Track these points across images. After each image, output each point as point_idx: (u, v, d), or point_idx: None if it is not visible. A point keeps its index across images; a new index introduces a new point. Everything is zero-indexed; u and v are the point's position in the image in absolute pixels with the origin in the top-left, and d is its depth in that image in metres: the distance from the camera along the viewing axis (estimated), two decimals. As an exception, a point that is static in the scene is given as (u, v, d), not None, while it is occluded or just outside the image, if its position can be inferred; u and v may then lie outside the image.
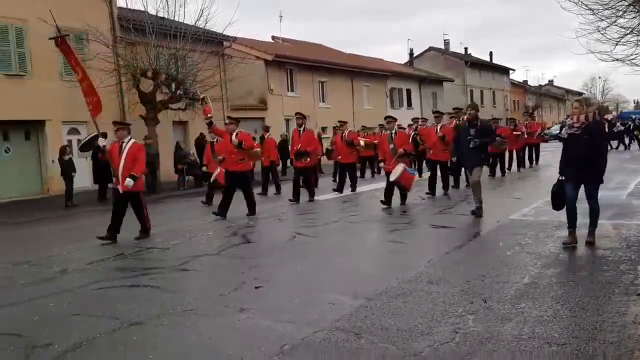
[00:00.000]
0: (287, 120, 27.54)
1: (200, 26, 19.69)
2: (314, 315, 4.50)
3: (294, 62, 28.99)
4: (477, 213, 8.94)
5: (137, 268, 6.60)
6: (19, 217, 12.92)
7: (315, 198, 12.66)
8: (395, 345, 3.80)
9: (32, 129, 18.20)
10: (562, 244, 6.51)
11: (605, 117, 30.00)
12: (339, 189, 14.07)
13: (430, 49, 51.99)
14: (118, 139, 8.69)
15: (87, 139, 12.44)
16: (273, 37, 35.11)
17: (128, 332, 4.31)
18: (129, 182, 8.29)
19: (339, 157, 14.73)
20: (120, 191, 8.45)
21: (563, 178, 6.46)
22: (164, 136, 19.93)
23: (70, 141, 18.20)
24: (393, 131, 11.14)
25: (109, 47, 18.27)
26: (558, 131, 6.92)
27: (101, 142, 9.03)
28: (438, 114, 13.48)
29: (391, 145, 10.91)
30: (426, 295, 4.94)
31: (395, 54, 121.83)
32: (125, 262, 7.03)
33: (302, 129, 12.66)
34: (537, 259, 6.04)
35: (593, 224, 6.53)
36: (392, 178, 10.61)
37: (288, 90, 29.02)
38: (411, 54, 50.00)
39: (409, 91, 39.57)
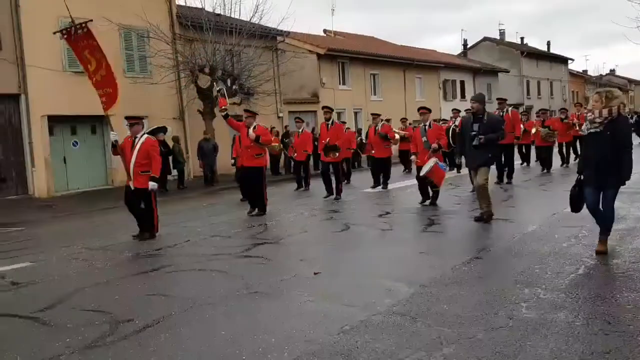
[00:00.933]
0: (339, 114, 27.74)
1: (255, 22, 20.19)
2: (371, 300, 4.73)
3: (346, 55, 29.15)
4: (484, 218, 8.04)
5: (203, 254, 7.01)
6: (88, 207, 13.73)
7: (342, 195, 12.08)
8: (450, 329, 3.98)
9: (97, 123, 19.14)
10: (596, 252, 5.88)
11: None
12: (382, 184, 13.66)
13: (485, 39, 50.92)
14: (132, 134, 8.32)
15: (149, 130, 12.93)
16: (325, 31, 35.33)
17: (200, 310, 4.68)
18: (152, 185, 8.15)
19: (373, 151, 14.05)
20: (132, 188, 8.26)
21: (582, 177, 5.83)
22: (221, 130, 20.53)
23: (131, 135, 19.03)
24: (427, 124, 10.48)
25: (168, 45, 18.99)
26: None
27: (113, 137, 8.59)
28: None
29: (424, 139, 10.29)
30: (481, 283, 5.08)
31: (449, 46, 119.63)
32: (192, 249, 7.46)
33: (330, 122, 12.17)
34: (593, 250, 6.04)
35: (604, 231, 5.88)
36: (421, 173, 10.02)
37: (340, 84, 29.21)
38: (465, 44, 49.16)
39: (462, 82, 39.00)
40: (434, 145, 10.07)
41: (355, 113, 29.51)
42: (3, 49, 16.22)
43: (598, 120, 5.58)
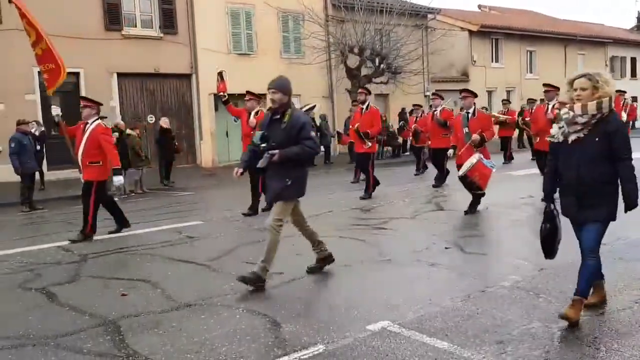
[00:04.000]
0: (490, 93, 26.99)
1: (406, 0, 20.39)
2: (497, 275, 5.01)
3: (500, 31, 28.07)
4: (248, 279, 4.83)
5: (343, 224, 7.69)
6: (246, 178, 15.17)
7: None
8: (571, 306, 4.15)
9: (255, 101, 20.82)
10: (559, 316, 3.84)
11: None
12: (437, 182, 11.29)
13: (665, 9, 45.43)
14: (83, 118, 7.38)
15: (302, 109, 13.82)
16: (479, 6, 34.21)
17: (339, 270, 5.34)
18: (118, 181, 7.47)
19: (429, 141, 11.96)
20: (82, 180, 7.39)
21: (553, 208, 4.04)
22: (367, 108, 21.17)
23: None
24: (470, 111, 8.31)
25: (321, 27, 19.95)
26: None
27: (54, 111, 7.55)
28: (550, 88, 9.38)
29: (465, 130, 8.22)
30: (612, 268, 5.07)
31: (621, 19, 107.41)
32: (334, 219, 8.19)
33: (365, 106, 10.30)
34: None
35: (583, 289, 3.88)
36: (460, 172, 8.04)
37: (492, 61, 28.27)
38: (639, 17, 44.33)
39: (633, 60, 35.49)
40: (475, 137, 8.01)
41: (508, 92, 28.40)
42: (179, 34, 18.35)
43: (582, 120, 3.79)
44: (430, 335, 3.69)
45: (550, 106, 9.18)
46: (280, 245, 6.50)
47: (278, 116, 5.03)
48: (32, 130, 11.98)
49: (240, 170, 5.26)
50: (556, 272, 5.01)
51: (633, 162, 3.78)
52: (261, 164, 4.92)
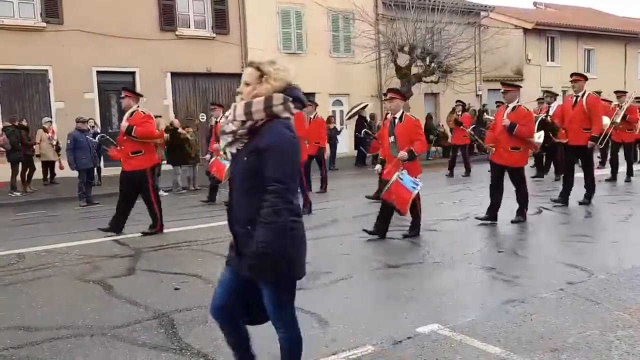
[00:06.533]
0: (543, 92, 26.16)
1: (459, -2, 20.08)
2: (552, 280, 4.86)
3: (557, 29, 27.22)
4: None
5: (393, 224, 7.59)
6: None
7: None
8: (630, 315, 3.99)
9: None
10: None
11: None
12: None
13: None
14: None
15: (353, 108, 13.88)
16: (534, 4, 33.30)
17: (387, 272, 5.32)
18: None
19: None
20: None
21: None
22: (416, 108, 20.92)
23: (334, 112, 20.49)
24: (397, 115, 6.67)
25: (371, 26, 19.87)
26: None
27: None
28: (509, 88, 7.60)
29: (391, 139, 6.70)
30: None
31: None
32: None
33: (313, 116, 9.41)
34: None
35: None
36: (381, 193, 6.77)
37: (548, 60, 27.46)
38: None
39: (699, 57, 33.65)
40: (402, 154, 6.46)
41: (564, 91, 27.50)
42: (230, 33, 18.67)
43: (229, 127, 2.73)
44: (481, 340, 3.62)
45: (509, 109, 7.39)
46: (328, 244, 6.56)
47: None
48: (92, 128, 12.41)
49: None
50: (613, 279, 4.84)
51: (283, 195, 2.56)
52: None
